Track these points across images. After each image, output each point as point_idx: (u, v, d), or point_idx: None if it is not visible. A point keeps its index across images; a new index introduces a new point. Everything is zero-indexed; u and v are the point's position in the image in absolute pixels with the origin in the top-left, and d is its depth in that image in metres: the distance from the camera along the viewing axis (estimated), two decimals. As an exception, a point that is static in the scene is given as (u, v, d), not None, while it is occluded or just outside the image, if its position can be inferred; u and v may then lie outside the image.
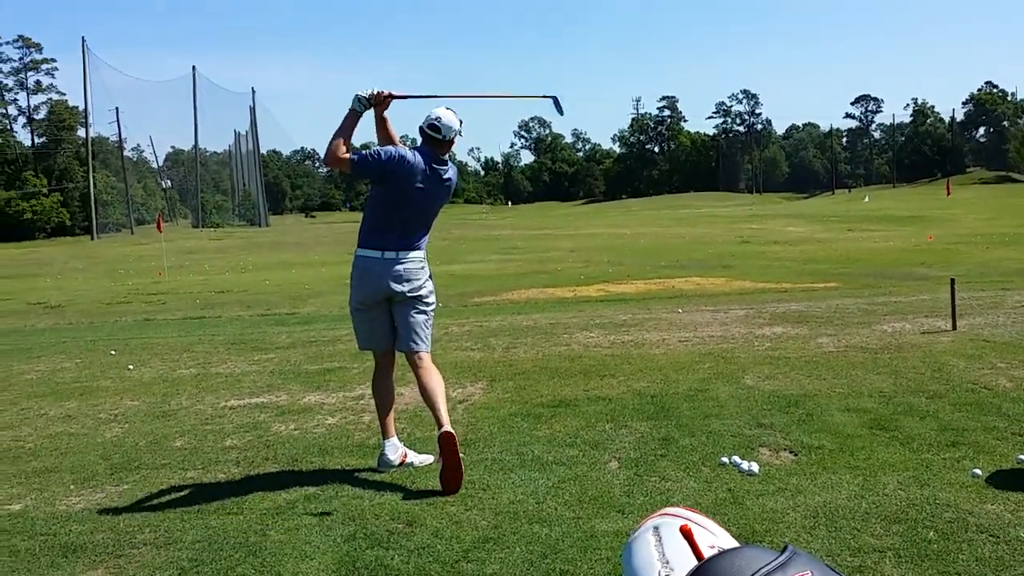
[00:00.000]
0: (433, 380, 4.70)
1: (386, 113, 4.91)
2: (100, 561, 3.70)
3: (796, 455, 4.62)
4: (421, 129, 4.77)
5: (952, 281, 8.56)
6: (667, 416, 5.49)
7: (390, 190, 4.66)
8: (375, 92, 4.74)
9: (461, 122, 4.77)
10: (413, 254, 4.75)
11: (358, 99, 4.70)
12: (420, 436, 5.34)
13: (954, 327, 8.27)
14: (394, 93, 4.82)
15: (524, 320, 10.56)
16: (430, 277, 4.89)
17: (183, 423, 6.05)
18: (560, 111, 5.26)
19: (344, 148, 4.57)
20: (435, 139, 4.73)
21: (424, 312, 4.82)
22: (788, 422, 5.23)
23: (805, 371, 6.67)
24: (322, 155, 4.75)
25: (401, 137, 4.98)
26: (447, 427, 4.44)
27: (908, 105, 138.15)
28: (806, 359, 7.15)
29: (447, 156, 4.82)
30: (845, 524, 3.64)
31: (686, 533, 1.26)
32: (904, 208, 51.38)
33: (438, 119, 4.71)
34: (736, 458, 4.50)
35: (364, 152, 4.64)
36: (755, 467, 4.36)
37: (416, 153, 4.68)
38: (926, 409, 5.40)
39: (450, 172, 4.82)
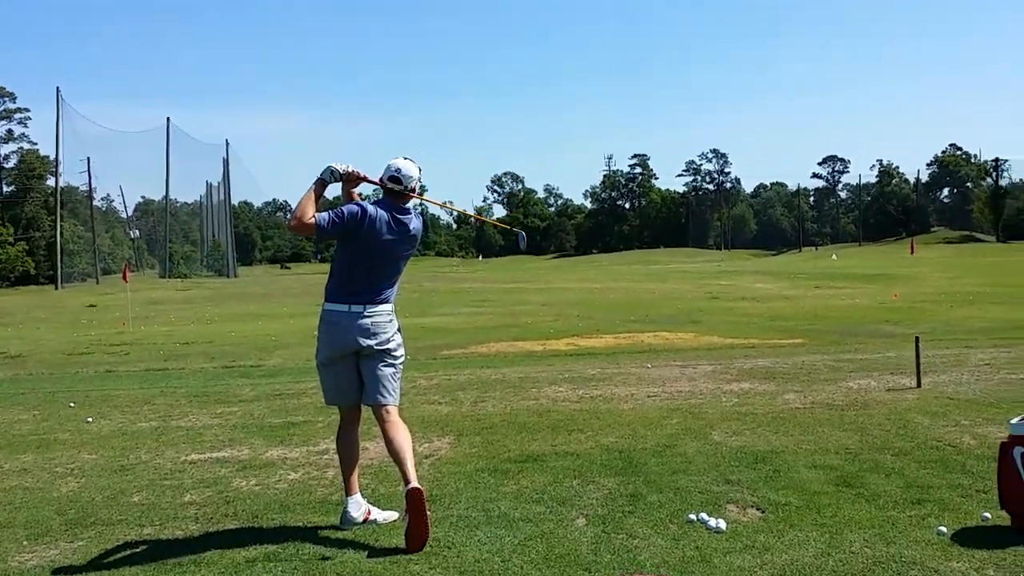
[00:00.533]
0: (400, 435, 4.64)
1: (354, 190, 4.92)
2: (49, 622, 3.57)
3: (763, 512, 4.60)
4: (381, 181, 4.79)
5: (917, 339, 8.67)
6: (635, 472, 5.46)
7: (355, 245, 4.65)
8: (349, 169, 4.77)
9: (420, 170, 4.82)
10: (381, 307, 4.73)
11: (331, 171, 4.74)
12: (384, 492, 5.26)
13: (919, 384, 8.35)
14: (367, 176, 4.85)
15: (493, 374, 10.51)
16: (399, 330, 4.86)
17: (141, 478, 5.91)
18: (522, 247, 5.60)
19: (310, 216, 4.56)
20: (396, 191, 4.75)
21: (392, 365, 4.78)
22: (755, 478, 5.21)
23: (772, 427, 6.68)
24: (289, 222, 4.75)
25: (359, 194, 4.97)
26: (414, 483, 4.38)
27: (874, 166, 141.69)
28: (773, 415, 7.17)
29: (409, 206, 4.83)
30: (812, 583, 3.61)
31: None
32: (870, 266, 52.23)
33: (398, 170, 4.74)
34: (704, 515, 4.47)
35: (327, 214, 4.63)
36: (722, 524, 4.33)
37: (378, 207, 4.69)
38: (891, 466, 5.42)
39: (414, 222, 4.82)
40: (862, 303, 24.82)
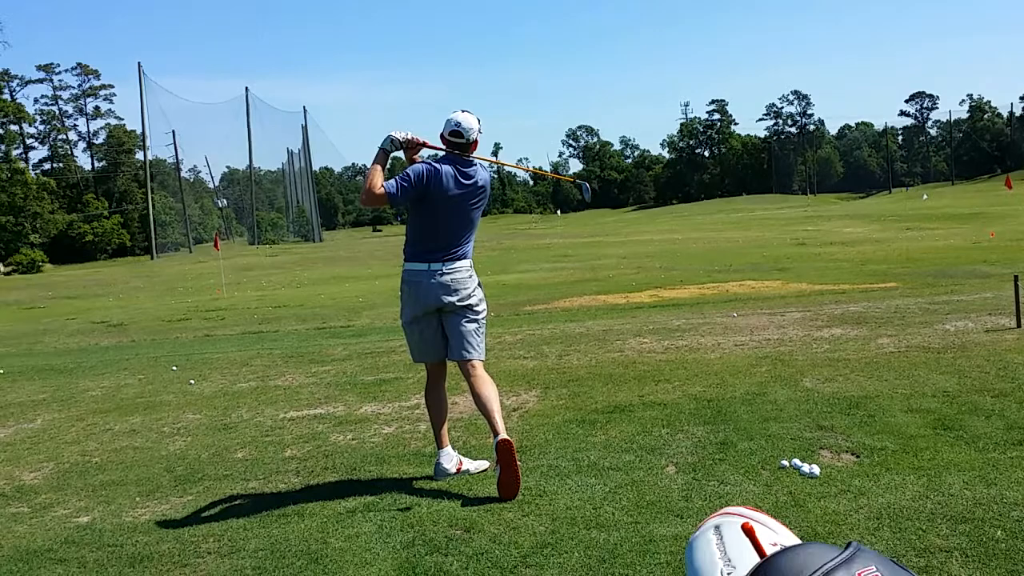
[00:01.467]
0: (487, 388, 4.72)
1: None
2: (166, 571, 3.78)
3: (858, 457, 4.53)
4: (442, 137, 4.81)
5: (1016, 278, 8.33)
6: (724, 420, 5.43)
7: (426, 204, 4.70)
8: (409, 136, 4.82)
9: (479, 121, 4.82)
10: (459, 264, 4.78)
11: (391, 140, 4.80)
12: (475, 444, 5.36)
13: (1019, 325, 8.04)
14: (427, 142, 4.88)
15: (577, 327, 10.53)
16: (479, 285, 4.90)
17: (244, 435, 6.16)
18: (588, 198, 5.46)
19: (379, 186, 4.64)
20: (459, 143, 4.77)
21: (475, 321, 4.84)
22: (849, 424, 5.13)
23: (866, 372, 6.54)
24: (360, 197, 4.84)
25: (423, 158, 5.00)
26: (503, 435, 4.45)
27: (964, 101, 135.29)
28: (866, 360, 7.01)
29: (474, 160, 4.85)
30: (910, 525, 3.57)
31: (748, 531, 1.24)
32: (964, 205, 50.20)
33: (458, 124, 4.75)
34: (796, 461, 4.42)
35: (394, 181, 4.68)
36: (816, 469, 4.29)
37: (442, 163, 4.73)
38: (991, 408, 5.26)
39: (480, 175, 4.83)
40: (956, 243, 23.95)
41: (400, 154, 4.98)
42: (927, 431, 4.88)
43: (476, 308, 4.84)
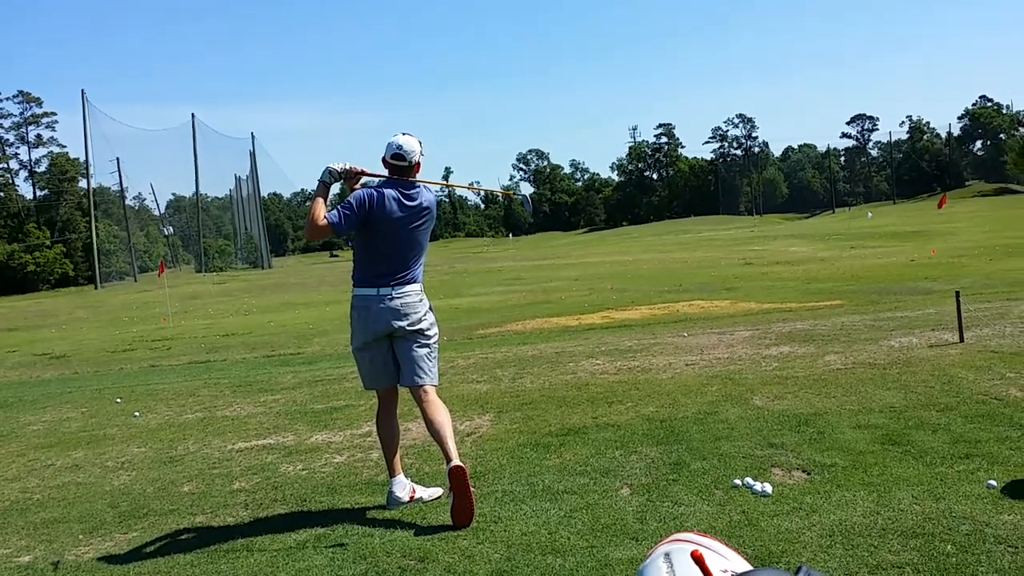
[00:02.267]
0: (440, 414, 4.67)
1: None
2: (110, 610, 3.65)
3: (809, 474, 4.57)
4: (384, 161, 4.79)
5: (957, 293, 8.53)
6: (677, 440, 5.45)
7: (370, 229, 4.67)
8: (347, 167, 4.79)
9: (421, 143, 4.82)
10: (408, 288, 4.74)
11: (329, 171, 4.78)
12: (429, 471, 5.31)
13: (961, 339, 8.22)
14: (366, 170, 4.86)
15: (529, 350, 10.52)
16: (430, 309, 4.87)
17: (190, 468, 6.01)
18: (530, 210, 5.46)
19: (322, 217, 4.62)
20: (400, 166, 4.75)
21: (426, 345, 4.80)
22: (799, 441, 5.18)
23: (814, 389, 6.62)
24: (305, 231, 4.81)
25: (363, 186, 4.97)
26: (456, 461, 4.41)
27: (904, 122, 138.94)
28: (814, 377, 7.11)
29: (416, 183, 4.81)
30: (862, 541, 3.60)
31: (697, 559, 1.23)
32: (906, 224, 51.44)
33: (399, 147, 4.74)
34: (748, 479, 4.45)
35: (336, 210, 4.66)
36: (768, 488, 4.31)
37: (383, 188, 4.71)
38: (937, 422, 5.36)
39: (424, 196, 4.81)
40: (899, 261, 24.50)
41: (339, 186, 4.94)
42: (876, 447, 4.95)
43: (427, 332, 4.80)
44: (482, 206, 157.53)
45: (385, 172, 4.82)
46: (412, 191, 4.75)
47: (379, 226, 4.65)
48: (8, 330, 27.94)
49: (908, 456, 4.73)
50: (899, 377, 6.82)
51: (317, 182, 4.80)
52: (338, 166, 4.78)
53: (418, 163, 4.81)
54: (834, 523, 3.83)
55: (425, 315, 4.79)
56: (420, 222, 4.78)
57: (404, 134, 4.80)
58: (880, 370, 7.19)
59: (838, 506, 4.04)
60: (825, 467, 4.64)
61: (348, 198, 4.70)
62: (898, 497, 4.08)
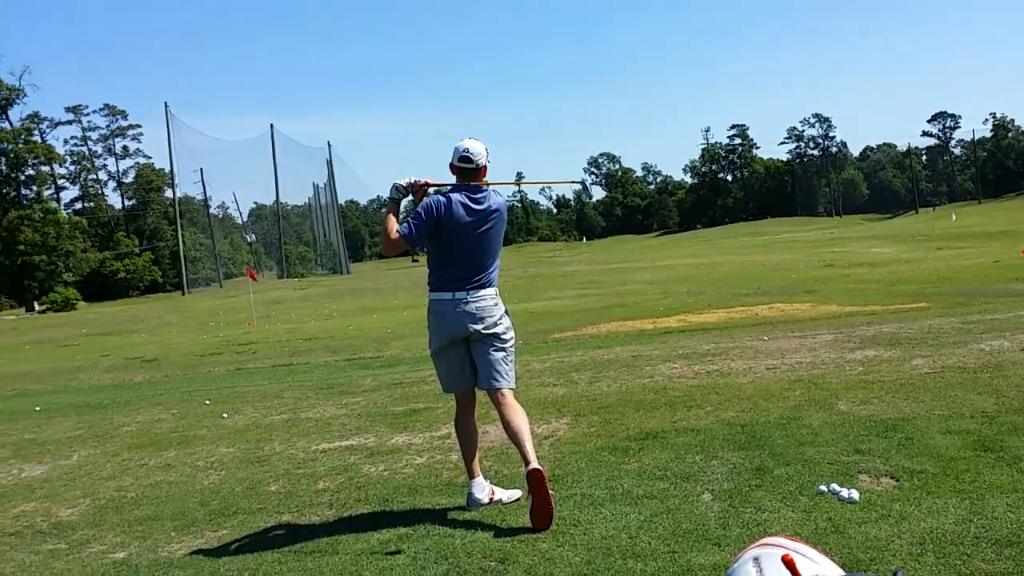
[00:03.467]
0: (517, 417, 4.70)
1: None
2: (203, 605, 3.78)
3: (898, 480, 4.46)
4: (451, 166, 4.83)
5: (1052, 295, 8.21)
6: (759, 445, 5.37)
7: (441, 236, 4.72)
8: (412, 181, 4.84)
9: (487, 148, 4.85)
10: (483, 292, 4.78)
11: (396, 188, 4.84)
12: (507, 473, 5.34)
13: (1057, 342, 7.91)
14: (429, 181, 4.91)
15: (605, 354, 10.49)
16: (506, 313, 4.89)
17: (277, 468, 6.17)
18: (588, 195, 5.37)
19: (394, 231, 4.71)
20: (468, 169, 4.79)
21: (502, 349, 4.83)
22: (887, 447, 5.05)
23: (901, 394, 6.45)
24: (380, 248, 4.91)
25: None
26: (534, 464, 4.43)
27: (987, 120, 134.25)
28: (901, 382, 6.92)
29: (484, 187, 4.84)
30: (954, 550, 3.50)
31: (788, 563, 1.23)
32: (992, 223, 49.62)
33: (466, 150, 4.78)
34: (835, 486, 4.36)
35: (406, 223, 4.73)
36: (855, 494, 4.22)
37: (451, 194, 4.75)
38: (1033, 428, 5.16)
39: (492, 200, 4.82)
40: (987, 262, 23.65)
41: (408, 199, 5.00)
42: (967, 453, 4.79)
43: (503, 336, 4.83)
44: (554, 210, 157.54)
45: (451, 179, 4.87)
46: (479, 195, 4.78)
47: (449, 232, 4.70)
48: (101, 335, 29.06)
49: (1001, 462, 4.57)
50: (990, 381, 6.59)
51: (387, 199, 4.90)
52: (403, 181, 4.84)
53: (485, 166, 4.84)
54: (925, 531, 3.73)
55: (501, 319, 4.82)
56: (489, 225, 4.80)
57: (470, 139, 4.85)
58: (970, 374, 6.96)
59: (929, 513, 3.93)
60: (915, 473, 4.51)
61: (417, 208, 4.77)
62: (992, 504, 3.96)
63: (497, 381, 4.78)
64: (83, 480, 6.43)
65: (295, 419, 8.05)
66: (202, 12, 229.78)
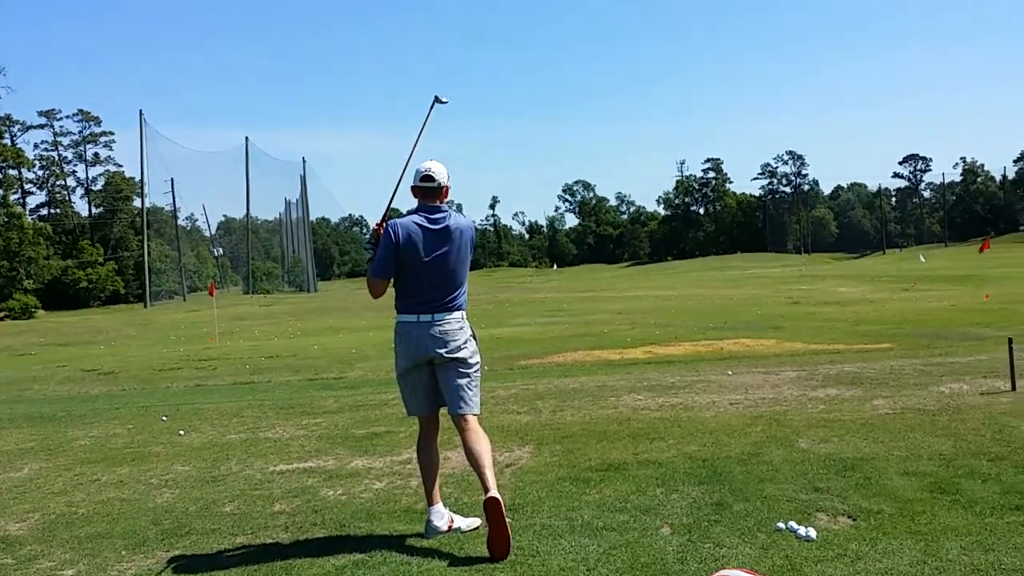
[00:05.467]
0: (480, 444, 4.66)
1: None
2: (150, 627, 3.69)
3: (855, 520, 4.48)
4: (413, 188, 4.81)
5: (1010, 340, 8.35)
6: (720, 480, 5.38)
7: (403, 261, 4.69)
8: (374, 228, 4.83)
9: (448, 171, 4.83)
10: (450, 316, 4.75)
11: (364, 245, 4.89)
12: (467, 501, 5.29)
13: (1014, 388, 8.03)
14: (380, 221, 4.85)
15: (571, 383, 10.49)
16: (472, 338, 4.86)
17: (232, 488, 6.07)
18: (441, 101, 5.06)
19: (370, 278, 4.75)
20: (429, 189, 4.76)
21: (467, 374, 4.80)
22: (845, 486, 5.09)
23: (861, 434, 6.51)
24: (373, 295, 4.90)
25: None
26: (493, 492, 4.39)
27: (958, 164, 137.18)
28: (862, 421, 6.98)
29: (444, 207, 4.80)
30: (909, 593, 3.51)
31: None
32: (958, 267, 50.51)
33: (428, 169, 4.77)
34: (792, 523, 4.37)
35: (374, 263, 4.71)
36: (812, 533, 4.23)
37: (407, 217, 4.74)
38: (988, 472, 5.23)
39: (452, 220, 4.77)
40: (951, 305, 24.03)
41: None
42: (924, 494, 4.84)
43: (468, 361, 4.80)
44: (527, 236, 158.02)
45: (390, 201, 4.82)
46: (437, 215, 4.74)
47: (406, 255, 4.67)
48: (59, 345, 28.57)
49: (957, 505, 4.61)
50: (949, 424, 6.68)
51: (367, 254, 4.88)
52: (367, 236, 4.89)
53: (446, 187, 4.82)
54: (880, 571, 3.75)
55: (466, 343, 4.79)
56: (448, 247, 4.73)
57: (432, 160, 4.84)
58: (929, 416, 7.05)
59: (884, 554, 3.95)
60: (871, 514, 4.54)
61: (378, 241, 4.73)
62: (946, 547, 3.99)
63: (461, 407, 4.74)
64: (33, 494, 6.28)
65: (253, 439, 7.94)
66: (183, 22, 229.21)
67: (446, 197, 4.85)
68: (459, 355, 4.74)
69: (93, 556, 4.72)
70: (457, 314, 4.79)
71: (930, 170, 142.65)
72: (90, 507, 5.80)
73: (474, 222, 4.98)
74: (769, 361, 12.13)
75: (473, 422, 4.75)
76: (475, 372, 4.85)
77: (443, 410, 4.90)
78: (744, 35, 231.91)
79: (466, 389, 4.77)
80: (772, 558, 3.99)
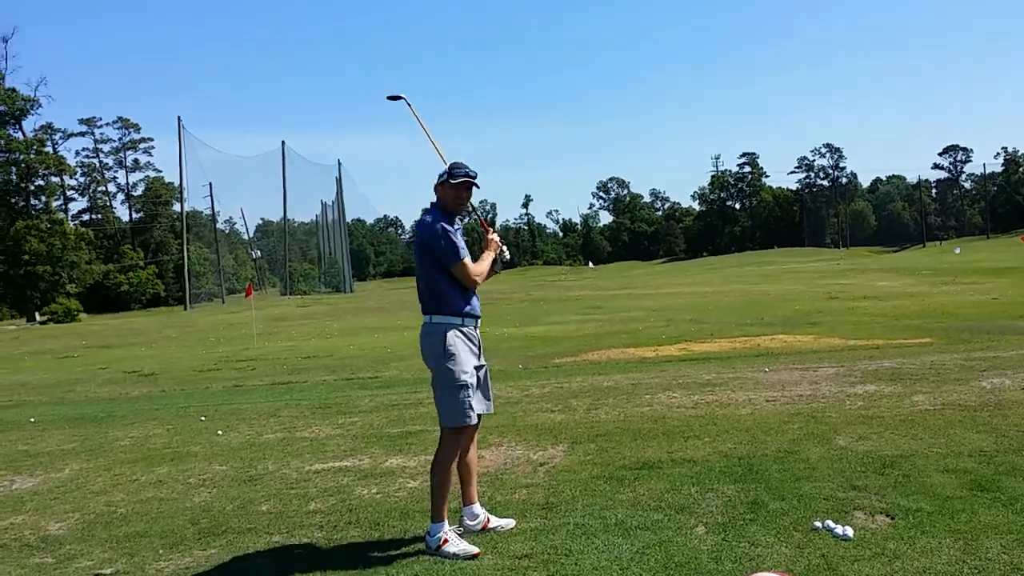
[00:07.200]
0: (435, 463, 4.60)
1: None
2: (187, 626, 3.73)
3: (893, 518, 4.41)
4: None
5: (1055, 334, 8.17)
6: (755, 479, 5.32)
7: None
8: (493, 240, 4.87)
9: (446, 170, 4.68)
10: (427, 319, 4.71)
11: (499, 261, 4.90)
12: (501, 500, 5.29)
13: (1060, 382, 7.86)
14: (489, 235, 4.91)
15: (605, 380, 10.45)
16: (446, 345, 4.58)
17: (269, 487, 6.13)
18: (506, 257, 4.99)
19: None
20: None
21: (434, 384, 4.69)
22: (883, 484, 5.01)
23: (900, 430, 6.40)
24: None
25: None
26: (442, 522, 4.45)
27: (999, 154, 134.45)
28: (901, 418, 6.87)
29: (430, 207, 4.73)
30: (949, 592, 3.45)
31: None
32: (1000, 260, 49.54)
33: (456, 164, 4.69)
34: (829, 522, 4.32)
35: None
36: (849, 531, 4.18)
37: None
38: (1032, 469, 5.11)
39: (421, 221, 4.73)
40: (992, 299, 23.58)
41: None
42: (964, 492, 4.75)
43: (435, 369, 4.65)
44: (560, 234, 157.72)
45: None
46: (422, 218, 4.74)
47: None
48: (101, 347, 29.05)
49: (997, 503, 4.52)
50: (990, 420, 6.55)
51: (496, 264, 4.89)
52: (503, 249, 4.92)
53: (437, 186, 4.69)
54: (918, 570, 3.68)
55: (431, 351, 4.65)
56: (415, 247, 4.74)
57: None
58: (970, 412, 6.92)
59: (923, 553, 3.88)
60: (910, 512, 4.47)
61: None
62: (986, 546, 3.91)
63: (439, 417, 4.69)
64: (73, 494, 6.39)
65: (290, 438, 8.01)
66: (219, 27, 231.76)
67: (437, 195, 4.72)
68: (430, 363, 4.68)
69: (131, 555, 4.80)
70: (426, 318, 4.71)
71: (971, 161, 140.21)
72: (129, 506, 5.89)
73: (430, 221, 4.63)
74: (807, 357, 11.98)
75: (443, 434, 4.66)
76: (440, 383, 4.62)
77: (483, 410, 4.79)
78: (779, 26, 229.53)
79: (437, 398, 4.66)
80: (808, 557, 3.94)
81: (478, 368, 4.72)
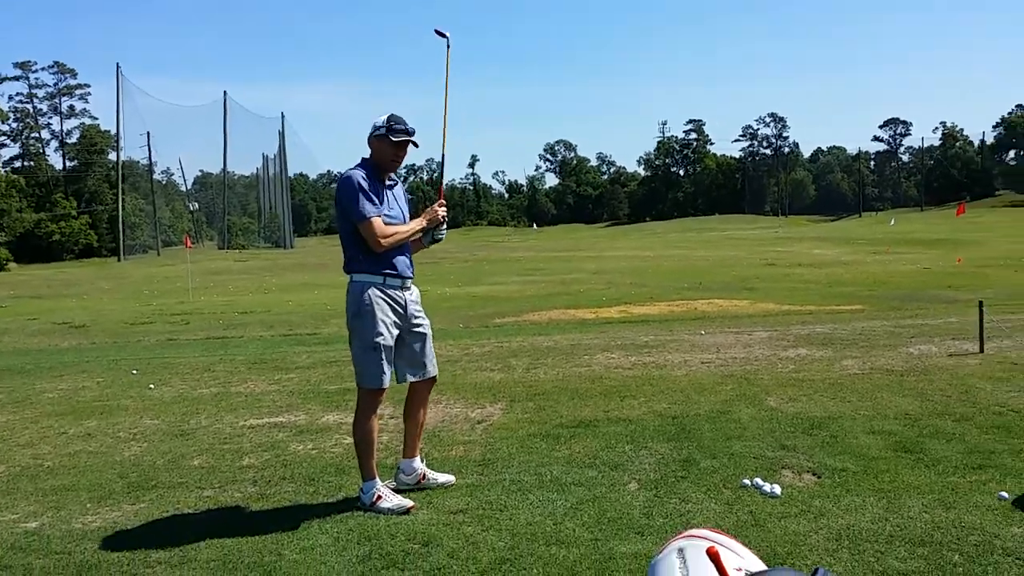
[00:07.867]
0: (354, 419, 4.64)
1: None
2: (114, 579, 3.67)
3: (819, 477, 4.54)
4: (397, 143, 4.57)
5: (980, 303, 8.43)
6: (688, 438, 5.42)
7: None
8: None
9: (377, 122, 4.55)
10: (348, 279, 4.64)
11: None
12: (437, 456, 5.30)
13: (982, 350, 8.13)
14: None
15: (545, 341, 10.50)
16: (360, 304, 4.49)
17: (201, 442, 6.04)
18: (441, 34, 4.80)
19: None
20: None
21: (350, 343, 4.64)
22: (811, 444, 5.14)
23: (829, 393, 6.57)
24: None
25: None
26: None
27: (937, 128, 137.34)
28: (830, 381, 7.05)
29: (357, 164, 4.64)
30: (869, 547, 3.56)
31: (713, 555, 1.21)
32: (933, 231, 50.92)
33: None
34: (758, 480, 4.42)
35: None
36: (777, 489, 4.28)
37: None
38: (952, 432, 5.30)
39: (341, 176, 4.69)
40: (923, 268, 24.26)
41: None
42: (888, 453, 4.90)
43: (350, 329, 4.60)
44: (506, 195, 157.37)
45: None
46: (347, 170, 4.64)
47: None
48: (30, 297, 28.24)
49: (920, 464, 4.68)
50: (916, 385, 6.75)
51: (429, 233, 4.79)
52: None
53: (371, 139, 4.57)
54: (842, 527, 3.79)
55: (347, 309, 4.59)
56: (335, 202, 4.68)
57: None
58: (897, 377, 7.13)
59: (847, 511, 4.00)
60: (836, 471, 4.60)
61: None
62: (908, 504, 4.04)
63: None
64: (-1, 446, 6.22)
65: (224, 393, 7.90)
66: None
67: (370, 150, 4.61)
68: (347, 322, 4.64)
69: (57, 509, 4.69)
70: (347, 278, 4.65)
71: (910, 135, 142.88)
72: (56, 460, 5.76)
73: (348, 175, 4.52)
74: (742, 321, 12.20)
75: (359, 395, 4.65)
76: (356, 343, 4.55)
77: (413, 376, 4.77)
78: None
79: (353, 359, 4.63)
80: (737, 513, 4.03)
81: (405, 331, 4.61)
